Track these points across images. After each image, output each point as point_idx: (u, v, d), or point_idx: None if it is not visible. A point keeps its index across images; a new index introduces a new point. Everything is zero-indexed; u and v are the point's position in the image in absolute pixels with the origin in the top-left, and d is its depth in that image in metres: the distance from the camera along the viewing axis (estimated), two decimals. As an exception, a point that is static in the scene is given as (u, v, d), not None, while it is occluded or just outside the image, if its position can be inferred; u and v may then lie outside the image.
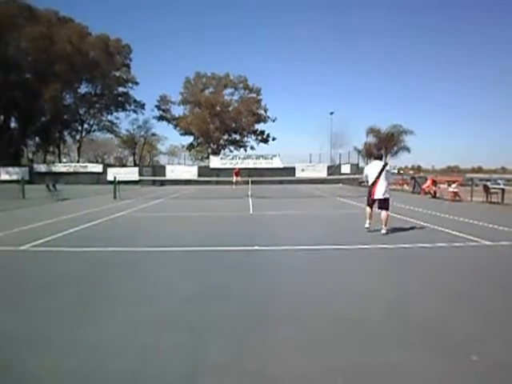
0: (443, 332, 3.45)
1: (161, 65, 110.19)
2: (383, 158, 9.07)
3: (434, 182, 21.63)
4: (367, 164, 8.92)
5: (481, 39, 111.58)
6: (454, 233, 8.72)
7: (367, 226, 8.67)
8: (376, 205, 8.68)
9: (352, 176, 35.01)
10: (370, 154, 46.48)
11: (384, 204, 8.49)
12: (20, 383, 2.68)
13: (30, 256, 6.78)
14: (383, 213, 8.46)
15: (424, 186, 22.17)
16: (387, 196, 8.48)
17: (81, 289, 4.84)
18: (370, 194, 8.55)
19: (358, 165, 40.92)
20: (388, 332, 3.46)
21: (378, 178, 8.40)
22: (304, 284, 5.05)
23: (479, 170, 79.86)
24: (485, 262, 6.32)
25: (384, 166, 8.50)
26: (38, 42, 42.79)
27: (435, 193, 20.87)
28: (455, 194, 18.60)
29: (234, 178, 30.57)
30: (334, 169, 39.26)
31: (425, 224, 10.12)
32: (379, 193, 8.41)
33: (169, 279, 5.28)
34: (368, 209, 8.75)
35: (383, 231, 8.38)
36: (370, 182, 8.53)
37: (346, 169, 38.72)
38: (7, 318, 3.83)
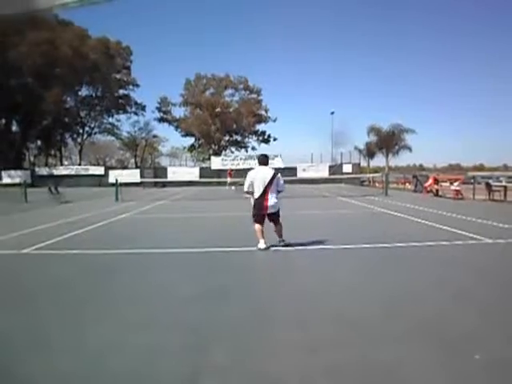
0: (445, 329, 3.44)
1: (161, 66, 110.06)
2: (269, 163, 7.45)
3: (436, 181, 21.60)
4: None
5: (482, 37, 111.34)
6: (456, 231, 8.69)
7: (263, 245, 6.91)
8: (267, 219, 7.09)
9: (354, 175, 35.09)
10: (372, 153, 46.43)
11: (276, 218, 7.09)
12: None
13: (31, 259, 6.79)
14: (276, 226, 7.17)
15: (426, 185, 22.14)
16: (278, 208, 7.05)
17: (83, 291, 4.84)
18: (260, 208, 6.88)
19: (359, 164, 41.02)
20: (395, 329, 3.45)
21: (267, 187, 6.81)
22: (306, 284, 5.04)
23: (481, 167, 79.53)
24: (488, 260, 6.30)
25: (275, 175, 6.98)
26: (39, 45, 42.86)
27: (437, 191, 20.86)
28: (457, 192, 18.57)
29: (228, 179, 30.56)
30: (335, 168, 39.25)
31: (427, 222, 10.11)
32: (271, 206, 6.87)
33: (171, 281, 5.27)
34: (258, 226, 6.97)
35: (281, 243, 7.14)
36: (257, 193, 6.87)
37: (347, 168, 38.79)
38: (10, 320, 3.82)
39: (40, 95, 44.51)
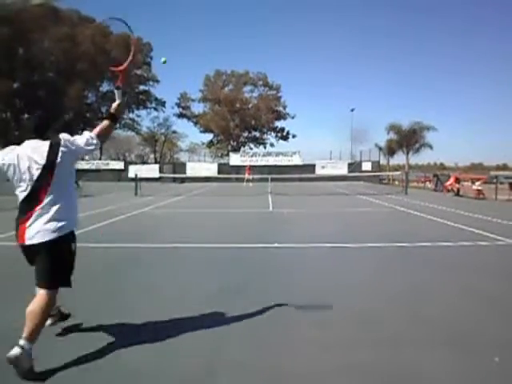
0: (467, 332, 3.38)
1: (181, 63, 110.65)
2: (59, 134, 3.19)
3: (458, 180, 21.20)
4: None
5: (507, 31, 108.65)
6: (476, 231, 8.54)
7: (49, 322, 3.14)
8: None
9: (373, 173, 34.72)
10: (392, 151, 45.69)
11: (41, 263, 2.86)
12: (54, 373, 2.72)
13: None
14: (40, 294, 2.84)
15: (447, 184, 21.76)
16: (58, 240, 2.84)
17: (104, 285, 4.91)
18: (16, 236, 2.86)
19: (379, 162, 40.50)
20: (412, 330, 3.41)
21: (40, 188, 2.81)
22: (322, 281, 5.02)
23: (504, 167, 77.71)
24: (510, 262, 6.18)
25: (57, 149, 2.90)
26: (62, 42, 43.52)
27: (458, 190, 20.47)
28: (479, 191, 18.22)
29: (246, 175, 30.51)
30: (354, 166, 38.87)
31: (447, 222, 9.95)
32: (37, 233, 2.78)
33: (189, 276, 5.31)
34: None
35: (14, 351, 2.54)
36: (19, 200, 2.87)
37: (367, 166, 38.36)
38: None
39: (62, 90, 45.21)
